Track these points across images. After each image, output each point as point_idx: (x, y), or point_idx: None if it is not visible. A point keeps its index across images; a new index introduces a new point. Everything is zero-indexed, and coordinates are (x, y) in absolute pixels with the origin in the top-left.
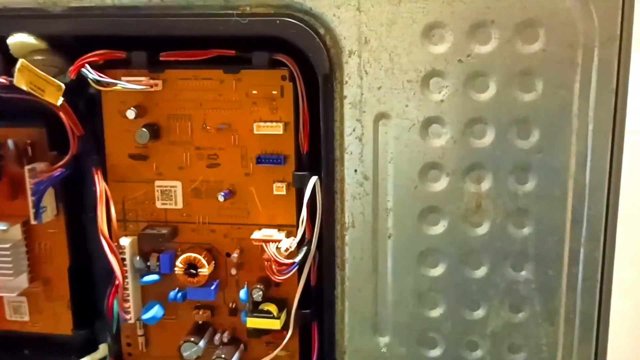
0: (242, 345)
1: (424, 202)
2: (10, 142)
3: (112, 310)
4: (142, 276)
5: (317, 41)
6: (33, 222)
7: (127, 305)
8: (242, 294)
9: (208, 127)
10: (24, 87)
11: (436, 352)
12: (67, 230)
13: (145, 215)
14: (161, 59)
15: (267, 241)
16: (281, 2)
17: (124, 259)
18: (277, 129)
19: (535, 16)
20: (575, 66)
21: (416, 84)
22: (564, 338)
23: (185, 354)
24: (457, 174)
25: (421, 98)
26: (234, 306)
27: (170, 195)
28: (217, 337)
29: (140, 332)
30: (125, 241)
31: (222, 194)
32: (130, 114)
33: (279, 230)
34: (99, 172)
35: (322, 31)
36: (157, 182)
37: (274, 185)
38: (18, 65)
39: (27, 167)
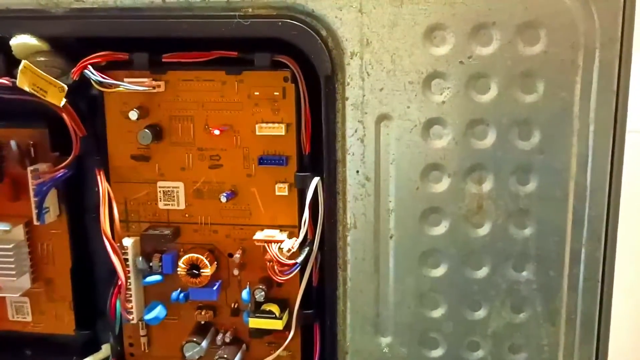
0: (244, 346)
1: (425, 203)
2: (12, 143)
3: (114, 310)
4: (145, 277)
5: (319, 43)
6: (36, 222)
7: (129, 305)
8: (244, 294)
9: (210, 128)
10: (27, 88)
11: (437, 352)
12: (69, 230)
13: (148, 215)
14: (163, 60)
15: (269, 242)
16: (283, 4)
17: (126, 260)
18: (279, 130)
19: (536, 18)
20: (576, 67)
21: (418, 86)
22: (565, 338)
23: (187, 354)
24: (458, 174)
25: (423, 99)
26: (236, 306)
27: (172, 196)
28: (219, 337)
29: (142, 332)
30: (127, 242)
31: (224, 194)
32: (133, 115)
33: (281, 230)
34: (101, 173)
35: (324, 33)
36: (160, 183)
37: (276, 186)
38: (21, 66)
39: (29, 168)
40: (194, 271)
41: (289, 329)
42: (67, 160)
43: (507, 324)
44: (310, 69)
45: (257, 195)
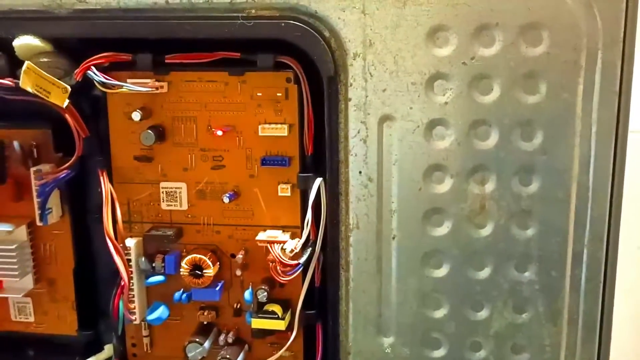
0: (246, 346)
1: (428, 203)
2: (16, 144)
3: (117, 311)
4: (148, 277)
5: (322, 44)
6: (38, 223)
7: (132, 306)
8: (247, 294)
9: (213, 129)
10: (30, 89)
11: (440, 352)
12: (72, 231)
13: (151, 216)
14: (166, 61)
15: (271, 242)
16: (286, 5)
17: (129, 260)
18: (281, 130)
19: (539, 19)
20: (578, 68)
21: (420, 86)
22: (567, 339)
23: (190, 355)
24: (461, 175)
25: (425, 100)
26: (238, 307)
27: (175, 196)
28: (221, 337)
29: (145, 332)
30: (130, 242)
31: (227, 195)
32: (136, 115)
33: (283, 231)
34: (104, 174)
35: (327, 34)
36: (162, 184)
37: (279, 186)
38: (24, 67)
39: (32, 169)
40: (197, 272)
41: (291, 330)
42: (70, 161)
43: (509, 324)
44: (313, 69)
45: (259, 196)
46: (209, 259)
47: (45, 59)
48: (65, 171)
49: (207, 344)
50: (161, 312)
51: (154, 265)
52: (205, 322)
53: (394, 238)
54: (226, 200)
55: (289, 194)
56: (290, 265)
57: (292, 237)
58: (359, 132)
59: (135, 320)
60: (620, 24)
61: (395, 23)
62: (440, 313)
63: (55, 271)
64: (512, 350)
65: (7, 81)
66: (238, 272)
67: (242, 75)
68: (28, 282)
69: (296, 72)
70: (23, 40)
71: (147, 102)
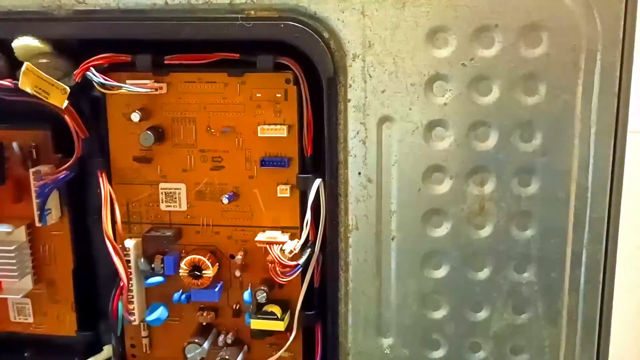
0: (245, 347)
1: (427, 204)
2: (15, 145)
3: (116, 311)
4: (147, 278)
5: (321, 45)
6: (38, 224)
7: (131, 306)
8: (246, 295)
9: (212, 130)
10: (29, 90)
11: (439, 353)
12: (71, 232)
13: (150, 217)
14: (166, 62)
15: (271, 243)
16: (286, 6)
17: (128, 261)
18: (281, 131)
19: (538, 20)
20: (578, 70)
21: (420, 88)
22: (567, 339)
23: (189, 356)
24: (460, 176)
25: (425, 101)
26: (237, 308)
27: (174, 197)
28: (221, 338)
29: (144, 333)
30: (129, 243)
31: (226, 196)
32: (135, 116)
33: (282, 232)
34: (103, 175)
35: (326, 35)
36: (162, 185)
37: (278, 187)
38: (23, 68)
39: (31, 170)
40: (196, 272)
41: (290, 330)
42: (69, 162)
43: (508, 325)
44: (312, 70)
45: (259, 196)
46: (208, 259)
47: (45, 60)
48: (64, 172)
49: (206, 345)
50: (160, 312)
51: (153, 266)
52: (204, 323)
53: (393, 239)
54: (225, 201)
55: (288, 195)
56: (290, 266)
57: (292, 238)
58: (358, 133)
59: (134, 321)
60: (620, 25)
61: (395, 24)
62: (439, 314)
63: (55, 272)
64: (511, 351)
65: (6, 82)
66: (237, 273)
67: (241, 76)
68: (27, 283)
69: (295, 73)
70: (22, 41)
71: (147, 103)
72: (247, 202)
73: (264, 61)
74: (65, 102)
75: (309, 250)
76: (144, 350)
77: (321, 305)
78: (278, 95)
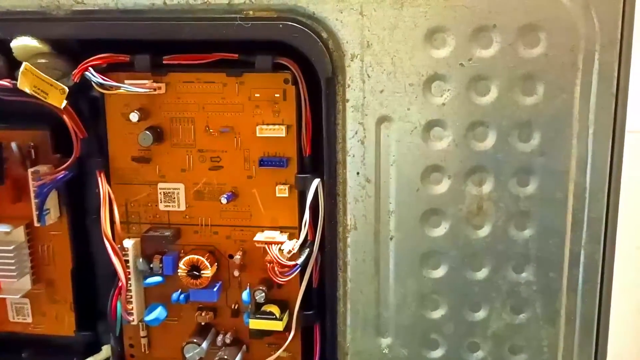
0: (244, 347)
1: (425, 204)
2: (13, 145)
3: (115, 311)
4: (145, 278)
5: (319, 45)
6: (36, 224)
7: (130, 306)
8: (245, 295)
9: (211, 130)
10: (28, 90)
11: (437, 353)
12: (70, 232)
13: (148, 217)
14: (164, 62)
15: (269, 243)
16: (284, 7)
17: (127, 261)
18: (279, 131)
19: (536, 20)
20: (576, 70)
21: (418, 88)
22: (565, 339)
23: (187, 356)
24: (458, 176)
25: (423, 101)
26: (236, 307)
27: (173, 197)
28: (219, 338)
29: (143, 333)
30: (128, 243)
31: (225, 196)
32: (134, 116)
33: (281, 232)
34: (102, 175)
35: (324, 35)
36: (160, 185)
37: (277, 187)
38: (22, 68)
39: (30, 170)
40: (195, 272)
41: (289, 330)
42: (68, 162)
43: (507, 325)
44: (310, 71)
45: (257, 196)
46: (206, 259)
47: (43, 60)
48: (63, 172)
49: (205, 345)
50: (159, 312)
51: (151, 266)
52: (203, 323)
53: (391, 239)
54: (224, 201)
55: (286, 195)
56: (288, 266)
57: (290, 237)
58: (356, 133)
59: (133, 321)
60: (618, 25)
61: (393, 24)
62: (438, 314)
63: (53, 272)
64: (510, 351)
65: (5, 82)
66: (236, 273)
67: (240, 76)
68: (26, 282)
69: (294, 74)
70: (21, 41)
71: (145, 103)
72: (246, 202)
73: (262, 61)
74: (64, 102)
75: (307, 250)
76: (143, 350)
77: (320, 305)
78: (277, 95)
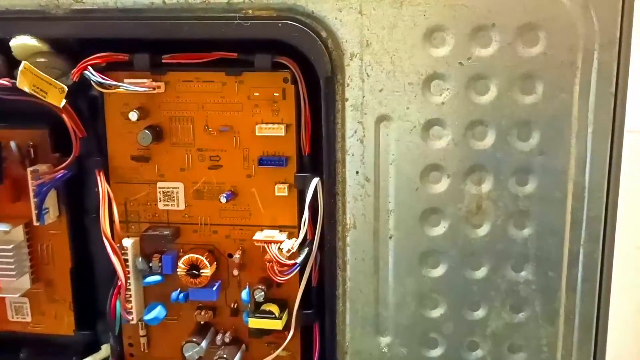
0: (243, 346)
1: (425, 203)
2: (13, 144)
3: (114, 311)
4: (145, 277)
5: (319, 44)
6: (35, 223)
7: (129, 306)
8: (244, 294)
9: (210, 129)
10: (27, 89)
11: (437, 352)
12: (69, 231)
13: (148, 216)
14: (164, 61)
15: (268, 242)
16: (283, 5)
17: (126, 260)
18: (278, 130)
19: (535, 20)
20: (575, 69)
21: (417, 87)
22: (564, 338)
23: (187, 355)
24: (458, 175)
25: (422, 100)
26: (235, 307)
27: (172, 196)
28: (218, 337)
29: (142, 332)
30: (127, 242)
31: (224, 195)
32: (133, 115)
33: (280, 231)
34: (101, 174)
35: (324, 34)
36: (159, 184)
37: (276, 186)
38: (21, 67)
39: (29, 169)
40: (194, 271)
41: (288, 329)
42: (67, 161)
43: (506, 324)
44: (310, 70)
45: (256, 195)
46: (206, 258)
47: (43, 59)
48: (62, 171)
49: (204, 344)
50: (158, 312)
51: (151, 265)
52: (202, 322)
53: (391, 238)
54: (223, 200)
55: (286, 194)
56: (287, 265)
57: (289, 236)
58: (355, 132)
59: (132, 320)
60: (617, 25)
61: (392, 23)
62: (437, 313)
63: (53, 271)
64: (509, 350)
65: (4, 81)
66: (235, 272)
67: (239, 75)
68: (25, 282)
69: (293, 73)
70: (20, 40)
71: (144, 102)
72: (245, 201)
73: (261, 60)
74: (63, 101)
75: (306, 249)
76: (142, 350)
77: (319, 304)
78: (276, 94)
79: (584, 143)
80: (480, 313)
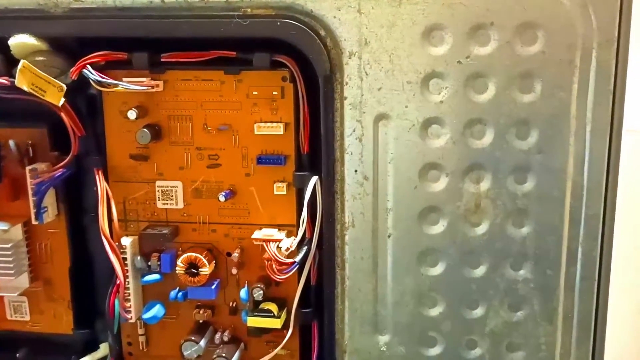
0: (242, 344)
1: (423, 202)
2: (11, 143)
3: (113, 309)
4: (143, 276)
5: (317, 42)
6: (34, 222)
7: (128, 304)
8: (243, 293)
9: (209, 128)
10: (26, 88)
11: (435, 350)
12: (68, 230)
13: (146, 215)
14: (162, 60)
15: (267, 241)
16: (282, 4)
17: (125, 259)
18: (277, 129)
19: (534, 18)
20: (573, 68)
21: (416, 85)
22: (562, 337)
23: (185, 353)
24: (456, 174)
25: (421, 99)
26: (234, 305)
27: (171, 195)
28: (217, 336)
29: (141, 331)
30: (126, 241)
31: (223, 194)
32: (132, 114)
33: (279, 230)
34: (100, 173)
35: (322, 33)
36: (158, 182)
37: (275, 185)
38: (19, 66)
39: (28, 168)
40: (193, 270)
41: (287, 328)
42: (66, 160)
43: (504, 322)
44: (308, 68)
45: (255, 194)
46: (204, 257)
47: (41, 58)
48: (61, 170)
49: (203, 343)
50: (157, 310)
51: (149, 263)
52: (201, 321)
53: (389, 236)
54: (222, 198)
55: (284, 193)
56: (286, 264)
57: (288, 235)
58: (354, 131)
59: (131, 319)
60: (615, 23)
61: (391, 22)
62: (435, 311)
63: (51, 270)
64: (507, 349)
65: (3, 80)
66: (234, 271)
67: (238, 74)
68: (24, 280)
69: (292, 71)
70: (19, 39)
71: (143, 101)
72: (244, 199)
73: (260, 59)
74: (62, 100)
75: (305, 248)
76: (141, 348)
77: (318, 302)
78: (274, 93)
79: (582, 142)
80: (478, 312)
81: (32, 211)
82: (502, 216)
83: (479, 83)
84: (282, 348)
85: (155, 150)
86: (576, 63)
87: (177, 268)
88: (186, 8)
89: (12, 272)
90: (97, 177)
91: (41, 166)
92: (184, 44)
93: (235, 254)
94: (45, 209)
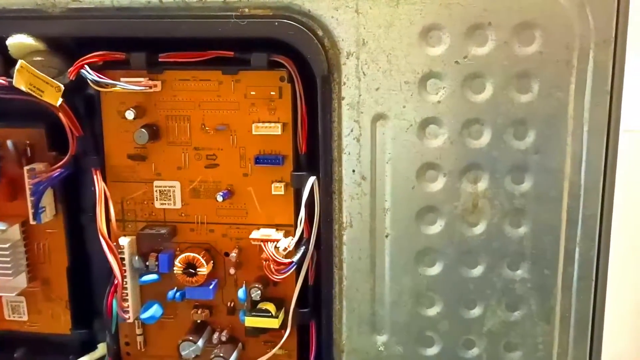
0: (240, 344)
1: (421, 202)
2: (9, 143)
3: (111, 309)
4: (141, 276)
5: (315, 43)
6: (32, 222)
7: (126, 304)
8: (241, 293)
9: (207, 128)
10: (23, 88)
11: (433, 350)
12: (66, 230)
13: (144, 215)
14: (160, 60)
15: (265, 241)
16: (280, 4)
17: (122, 259)
18: (275, 129)
19: (531, 18)
20: (571, 68)
21: (414, 85)
22: (560, 336)
23: (183, 353)
24: (454, 174)
25: (418, 99)
26: (232, 305)
27: (168, 195)
28: (215, 336)
29: (138, 331)
30: (124, 241)
31: (221, 194)
32: (129, 114)
33: (277, 229)
34: (98, 173)
35: (320, 33)
36: (156, 183)
37: (272, 185)
38: (17, 66)
39: (26, 168)
40: (191, 270)
41: (285, 328)
42: (64, 160)
43: (502, 322)
44: (306, 68)
45: (253, 194)
46: (202, 257)
47: (39, 58)
48: (58, 170)
49: (200, 343)
50: (155, 310)
51: (147, 263)
52: (199, 321)
53: (387, 236)
54: (220, 199)
55: (282, 193)
56: (284, 264)
57: (286, 235)
58: (352, 131)
59: (128, 318)
60: (612, 23)
61: (389, 22)
62: (433, 311)
63: (49, 270)
64: (505, 348)
65: (0, 80)
66: (232, 271)
67: (236, 74)
68: (22, 280)
69: (290, 71)
70: (17, 39)
71: (141, 101)
72: (242, 199)
73: (258, 59)
74: (60, 100)
75: (303, 248)
76: (139, 348)
77: (315, 302)
78: (272, 93)
79: (580, 142)
80: (476, 311)
81: (30, 211)
82: (499, 216)
83: (477, 83)
84: (279, 348)
85: (153, 150)
86: (573, 63)
87: (174, 268)
88: (184, 8)
89: (10, 272)
90: (95, 177)
91: (39, 166)
92: (182, 44)
93: (233, 254)
94: (43, 209)
